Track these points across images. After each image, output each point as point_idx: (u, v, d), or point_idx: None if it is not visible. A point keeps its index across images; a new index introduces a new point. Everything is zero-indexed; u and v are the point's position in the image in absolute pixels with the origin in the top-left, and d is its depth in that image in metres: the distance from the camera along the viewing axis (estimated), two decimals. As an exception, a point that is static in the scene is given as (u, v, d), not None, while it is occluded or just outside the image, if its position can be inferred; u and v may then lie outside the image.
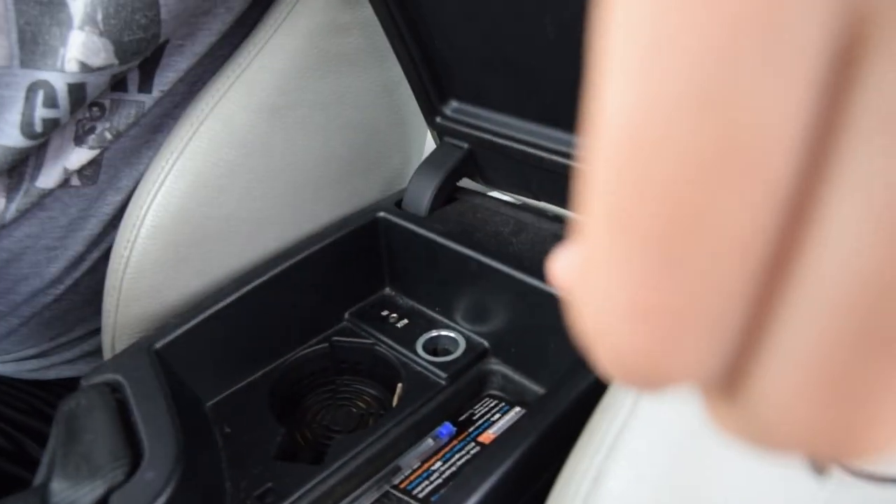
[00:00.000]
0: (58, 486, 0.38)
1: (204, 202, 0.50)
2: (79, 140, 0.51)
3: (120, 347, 0.49)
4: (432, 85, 0.53)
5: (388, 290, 0.58)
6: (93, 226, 0.56)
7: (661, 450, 0.29)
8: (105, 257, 0.59)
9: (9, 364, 0.64)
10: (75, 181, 0.53)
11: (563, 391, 0.40)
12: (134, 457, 0.39)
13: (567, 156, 0.48)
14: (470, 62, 0.49)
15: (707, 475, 0.28)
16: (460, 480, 0.36)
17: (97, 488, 0.38)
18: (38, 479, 0.43)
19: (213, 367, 0.50)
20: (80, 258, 0.58)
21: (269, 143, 0.51)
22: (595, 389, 0.39)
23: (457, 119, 0.54)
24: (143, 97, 0.51)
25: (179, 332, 0.47)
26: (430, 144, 0.66)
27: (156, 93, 0.51)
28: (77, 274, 0.59)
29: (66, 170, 0.51)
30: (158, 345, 0.46)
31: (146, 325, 0.49)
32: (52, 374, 0.66)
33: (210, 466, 0.43)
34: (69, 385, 0.67)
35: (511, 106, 0.50)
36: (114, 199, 0.56)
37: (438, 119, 0.55)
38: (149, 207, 0.49)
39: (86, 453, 0.39)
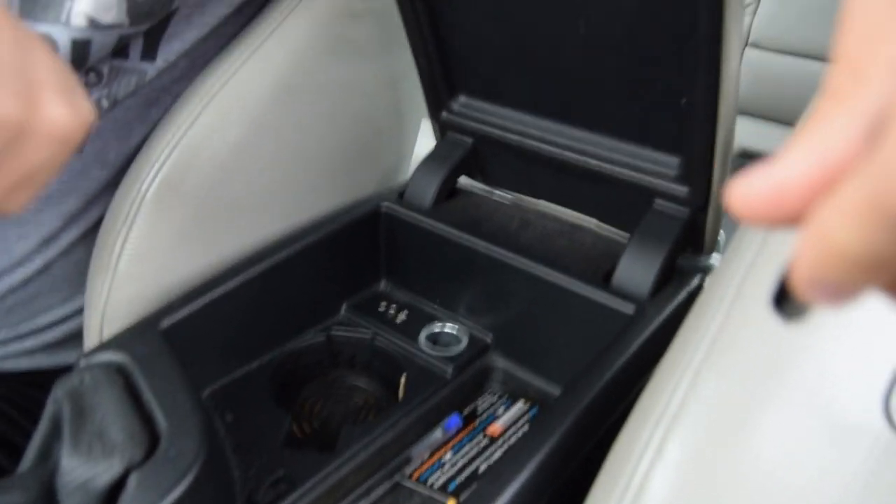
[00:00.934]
0: (69, 464, 0.36)
1: (210, 180, 0.48)
2: None
3: (110, 330, 0.47)
4: (443, 78, 0.53)
5: (383, 284, 0.57)
6: (73, 201, 0.53)
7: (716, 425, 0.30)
8: (84, 237, 0.56)
9: (-43, 352, 0.60)
10: None
11: (588, 379, 0.40)
12: (150, 436, 0.37)
13: (581, 152, 0.49)
14: (486, 56, 0.50)
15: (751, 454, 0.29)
16: (494, 473, 0.35)
17: (114, 466, 0.35)
18: (27, 462, 0.40)
19: (212, 353, 0.48)
20: (54, 236, 0.54)
21: (280, 124, 0.50)
22: (622, 376, 0.40)
23: (463, 114, 0.54)
24: (145, 65, 0.49)
25: (186, 312, 0.45)
26: (422, 142, 0.66)
27: (159, 62, 0.49)
28: (49, 254, 0.55)
29: None
30: (165, 324, 0.44)
31: (143, 307, 0.47)
32: (8, 366, 0.62)
33: (221, 452, 0.42)
34: (23, 378, 0.63)
35: (523, 102, 0.51)
36: (98, 175, 0.53)
37: (444, 114, 0.55)
38: (153, 181, 0.47)
39: (98, 431, 0.37)
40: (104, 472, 0.35)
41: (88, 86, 0.48)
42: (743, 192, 0.16)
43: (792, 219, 0.16)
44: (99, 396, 0.39)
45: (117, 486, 0.36)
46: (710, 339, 0.31)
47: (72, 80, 0.32)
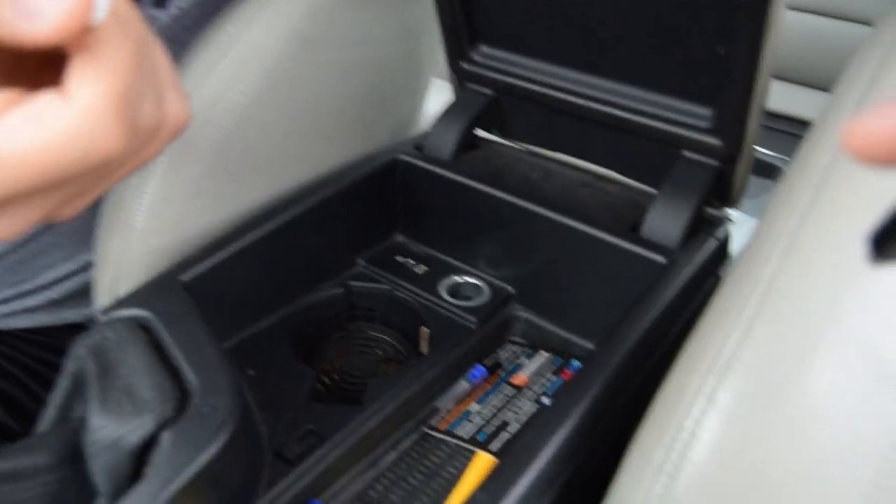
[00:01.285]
0: (98, 423, 0.35)
1: (227, 132, 0.46)
2: None
3: (127, 286, 0.45)
4: (464, 27, 0.51)
5: (399, 237, 0.56)
6: None
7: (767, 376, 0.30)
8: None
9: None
10: None
11: (626, 329, 0.39)
12: (181, 392, 0.36)
13: (608, 104, 0.48)
14: (510, 4, 0.49)
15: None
16: (539, 425, 0.35)
17: (146, 423, 0.34)
18: (47, 422, 0.39)
19: (231, 308, 0.47)
20: None
21: (296, 74, 0.48)
22: (658, 326, 0.40)
23: (484, 64, 0.53)
24: (157, 13, 0.47)
25: (206, 266, 0.44)
26: (436, 94, 0.64)
27: (172, 9, 0.47)
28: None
29: None
30: (186, 277, 0.43)
31: (160, 261, 0.45)
32: (10, 324, 0.60)
33: (249, 408, 0.41)
34: (25, 336, 0.62)
35: (548, 51, 0.50)
36: None
37: (465, 64, 0.54)
38: (168, 133, 0.45)
39: (126, 387, 0.36)
40: (136, 430, 0.34)
41: None
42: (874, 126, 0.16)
43: None
44: (124, 352, 0.38)
45: (148, 445, 0.35)
46: (765, 285, 0.30)
47: (176, 71, 0.31)
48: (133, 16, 0.27)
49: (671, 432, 0.31)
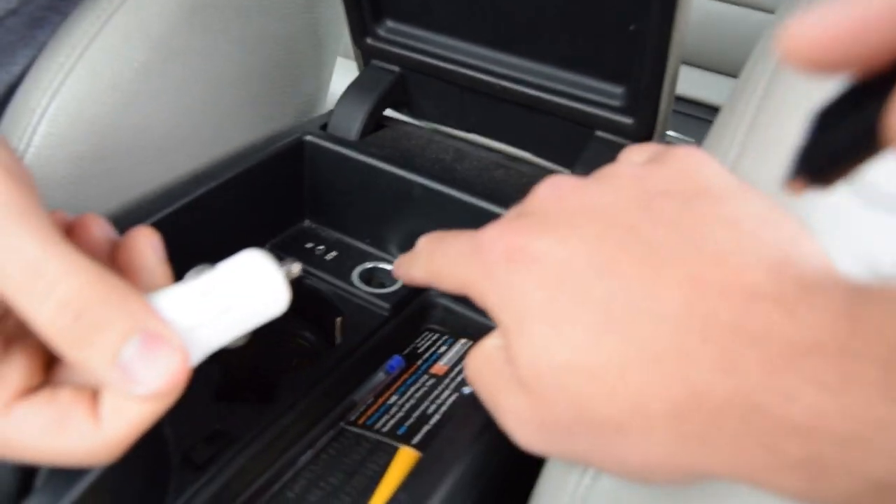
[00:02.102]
0: None
1: (112, 108, 0.42)
2: None
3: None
4: (368, 0, 0.49)
5: (307, 223, 0.54)
6: None
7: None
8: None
9: None
10: None
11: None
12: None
13: (518, 82, 0.47)
14: (418, -24, 0.47)
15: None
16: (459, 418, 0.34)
17: None
18: None
19: (125, 303, 0.43)
20: None
21: (188, 46, 0.45)
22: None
23: (390, 40, 0.51)
24: None
25: (93, 258, 0.40)
26: (340, 72, 0.62)
27: None
28: None
29: None
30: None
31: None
32: None
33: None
34: None
35: (456, 27, 0.48)
36: None
37: (369, 39, 0.51)
38: (44, 112, 0.40)
39: None
40: None
41: None
42: (811, 26, 0.15)
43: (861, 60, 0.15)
44: None
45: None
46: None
47: None
48: None
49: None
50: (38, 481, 0.30)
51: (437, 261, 0.32)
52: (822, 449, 0.19)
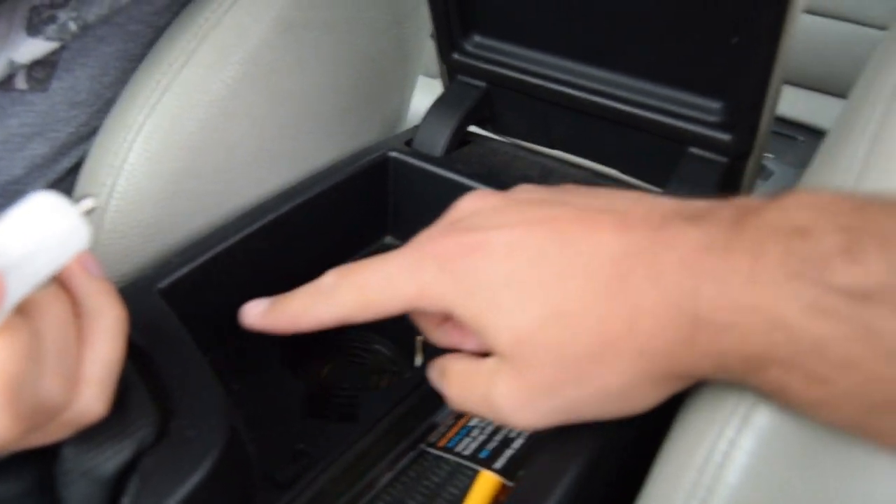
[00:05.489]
0: (70, 450, 0.32)
1: (205, 125, 0.43)
2: (33, 29, 0.42)
3: (97, 292, 0.42)
4: (458, 15, 0.48)
5: (389, 239, 0.53)
6: (38, 146, 0.46)
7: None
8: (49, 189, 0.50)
9: None
10: (21, 83, 0.44)
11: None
12: (162, 412, 0.33)
13: (609, 97, 0.46)
14: (507, -9, 0.46)
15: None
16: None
17: (123, 450, 0.31)
18: None
19: (212, 317, 0.43)
20: (15, 184, 0.48)
21: (280, 63, 0.45)
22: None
23: (477, 55, 0.50)
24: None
25: (184, 271, 0.41)
26: (422, 87, 0.62)
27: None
28: (9, 206, 0.49)
29: (11, 63, 0.42)
30: (164, 284, 0.39)
31: (133, 266, 0.42)
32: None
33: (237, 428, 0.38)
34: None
35: (545, 41, 0.47)
36: (67, 116, 0.46)
37: (456, 55, 0.51)
38: (140, 128, 0.41)
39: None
40: (112, 458, 0.31)
41: (53, 7, 0.41)
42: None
43: None
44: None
45: (125, 472, 0.31)
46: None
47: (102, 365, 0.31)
48: (38, 304, 0.27)
49: (703, 453, 0.29)
50: (126, 501, 0.31)
51: (368, 287, 0.33)
52: (721, 337, 0.24)
